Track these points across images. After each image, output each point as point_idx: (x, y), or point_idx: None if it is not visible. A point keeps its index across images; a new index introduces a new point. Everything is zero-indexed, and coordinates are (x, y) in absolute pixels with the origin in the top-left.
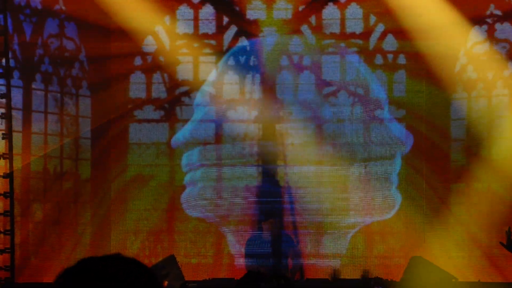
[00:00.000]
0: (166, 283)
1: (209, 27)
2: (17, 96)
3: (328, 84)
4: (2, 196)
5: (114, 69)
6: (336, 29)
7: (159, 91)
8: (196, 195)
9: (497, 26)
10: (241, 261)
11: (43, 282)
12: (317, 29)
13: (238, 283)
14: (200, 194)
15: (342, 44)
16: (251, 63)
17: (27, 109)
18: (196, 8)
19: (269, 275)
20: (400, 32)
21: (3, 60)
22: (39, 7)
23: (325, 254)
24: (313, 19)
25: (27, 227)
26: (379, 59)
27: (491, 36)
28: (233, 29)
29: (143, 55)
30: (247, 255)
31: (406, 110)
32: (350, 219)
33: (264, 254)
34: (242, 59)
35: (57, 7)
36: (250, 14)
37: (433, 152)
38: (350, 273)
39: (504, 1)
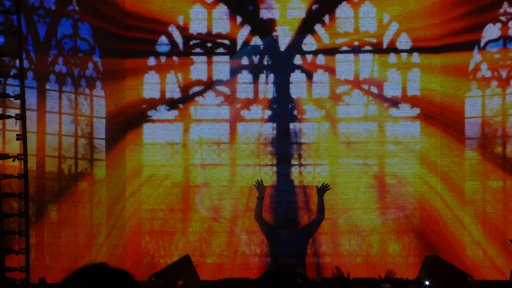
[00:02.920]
0: (181, 283)
1: (222, 27)
2: (31, 97)
3: (342, 83)
4: (16, 197)
5: (128, 69)
6: (350, 28)
7: (173, 91)
8: (211, 195)
9: (511, 24)
10: (256, 260)
11: (59, 282)
12: (331, 28)
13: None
14: (214, 194)
15: (356, 43)
16: (265, 63)
17: (41, 110)
18: (209, 7)
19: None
20: (414, 30)
21: (17, 61)
22: (53, 7)
23: (340, 253)
24: (326, 18)
25: (42, 228)
26: (393, 58)
27: (504, 34)
28: (246, 29)
29: (157, 55)
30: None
31: (421, 109)
32: (365, 217)
33: (282, 253)
34: (256, 58)
35: (71, 7)
36: (264, 14)
37: (448, 150)
38: (365, 272)
39: None
